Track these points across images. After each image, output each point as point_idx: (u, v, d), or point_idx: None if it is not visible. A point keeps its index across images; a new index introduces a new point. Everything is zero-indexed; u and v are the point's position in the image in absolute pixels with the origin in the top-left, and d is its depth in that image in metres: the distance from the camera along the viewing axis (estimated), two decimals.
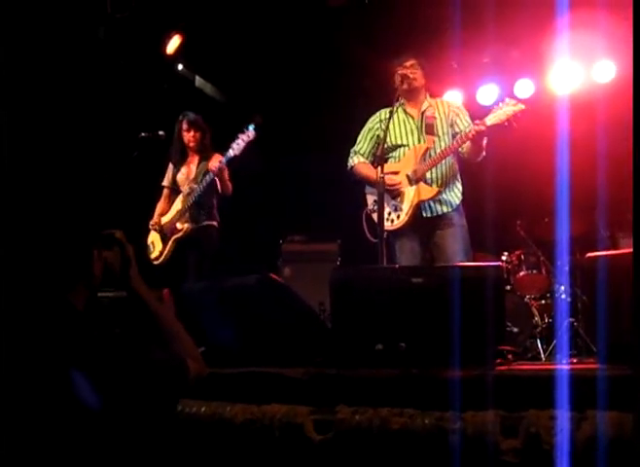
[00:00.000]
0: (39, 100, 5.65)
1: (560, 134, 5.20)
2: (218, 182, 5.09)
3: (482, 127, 4.31)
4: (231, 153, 5.01)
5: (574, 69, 6.49)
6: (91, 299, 2.02)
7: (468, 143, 4.47)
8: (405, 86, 4.56)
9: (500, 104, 4.39)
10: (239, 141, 5.01)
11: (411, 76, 4.59)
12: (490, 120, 4.34)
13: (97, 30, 6.16)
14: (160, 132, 5.22)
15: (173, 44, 6.55)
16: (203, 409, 3.06)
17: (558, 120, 5.47)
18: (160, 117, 5.76)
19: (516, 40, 6.49)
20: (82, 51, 6.06)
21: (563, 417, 2.50)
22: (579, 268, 5.29)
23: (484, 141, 4.44)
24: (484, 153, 4.53)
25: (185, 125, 5.28)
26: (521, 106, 4.34)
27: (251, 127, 5.04)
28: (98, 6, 5.96)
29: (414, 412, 2.75)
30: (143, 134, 5.21)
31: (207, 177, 5.10)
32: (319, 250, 6.59)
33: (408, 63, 4.60)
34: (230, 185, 5.16)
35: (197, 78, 7.40)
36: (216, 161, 5.10)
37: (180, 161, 5.36)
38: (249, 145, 5.03)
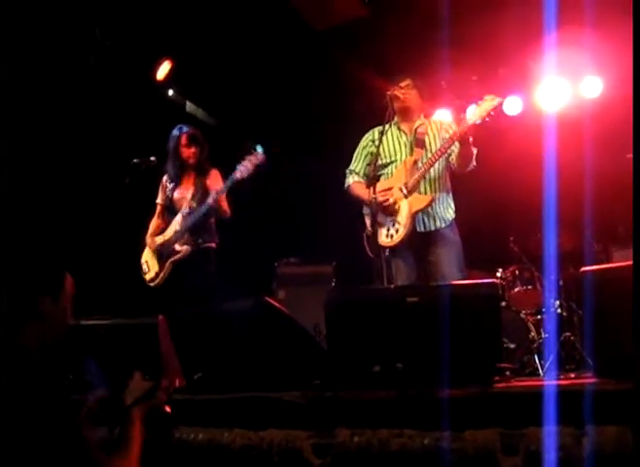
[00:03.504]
0: (31, 127, 5.68)
1: (550, 149, 5.24)
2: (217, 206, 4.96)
3: (464, 128, 4.34)
4: (237, 175, 4.84)
5: (561, 85, 6.54)
6: (48, 340, 1.99)
7: (456, 151, 4.48)
8: (397, 105, 4.60)
9: (479, 102, 4.42)
10: (247, 163, 4.85)
11: (402, 97, 4.61)
12: (471, 119, 4.36)
13: (88, 58, 6.19)
14: (152, 158, 5.18)
15: (163, 70, 6.57)
16: (200, 435, 3.04)
17: (547, 135, 5.52)
18: (151, 143, 5.77)
19: (504, 58, 6.55)
20: (73, 78, 6.09)
21: (562, 434, 2.49)
22: (573, 282, 5.29)
23: (474, 151, 4.46)
24: (475, 163, 4.54)
25: (184, 141, 5.11)
26: (500, 99, 4.39)
27: (259, 149, 4.89)
28: (88, 34, 6.00)
29: (413, 432, 2.74)
30: (135, 161, 5.17)
31: (207, 202, 4.93)
32: (314, 272, 6.58)
33: (402, 84, 4.63)
34: (227, 210, 5.04)
35: (188, 103, 7.43)
36: (215, 183, 5.02)
37: (176, 177, 5.19)
38: (258, 168, 4.86)
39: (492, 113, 4.34)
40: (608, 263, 5.24)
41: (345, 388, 3.13)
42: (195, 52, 6.55)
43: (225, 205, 5.05)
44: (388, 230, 4.49)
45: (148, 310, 4.26)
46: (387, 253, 4.30)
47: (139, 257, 5.29)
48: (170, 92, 7.17)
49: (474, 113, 4.37)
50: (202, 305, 4.58)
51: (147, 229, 5.32)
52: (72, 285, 2.06)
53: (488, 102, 4.37)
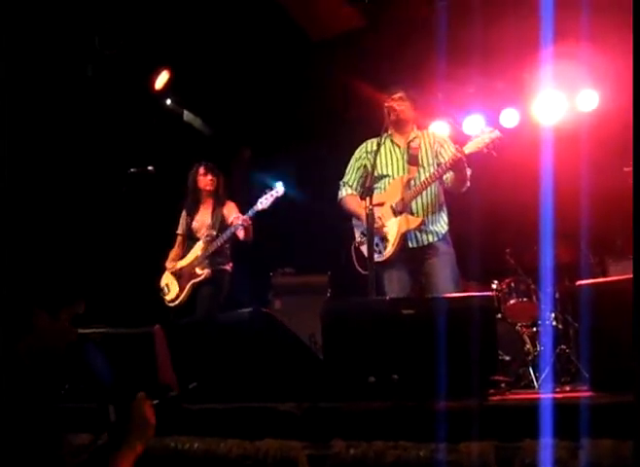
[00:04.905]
0: (29, 136, 5.68)
1: (546, 162, 5.26)
2: (241, 232, 5.27)
3: (459, 155, 4.36)
4: (259, 206, 5.29)
5: (558, 99, 6.57)
6: (41, 354, 1.98)
7: (451, 173, 4.50)
8: (392, 117, 4.62)
9: (478, 133, 4.45)
10: (268, 196, 5.32)
11: (398, 108, 4.64)
12: (468, 148, 4.39)
13: (86, 67, 6.21)
14: (150, 167, 5.24)
15: (161, 79, 6.59)
16: (197, 445, 3.04)
17: (544, 148, 5.54)
18: (149, 152, 5.78)
19: (501, 70, 6.57)
20: (71, 88, 6.10)
21: (558, 447, 2.49)
22: (569, 294, 5.30)
23: (468, 172, 4.47)
24: (468, 184, 4.55)
25: (202, 170, 5.48)
26: (498, 133, 4.40)
27: (279, 184, 5.35)
28: (87, 43, 6.02)
29: (409, 444, 2.74)
30: (132, 170, 5.23)
31: (230, 230, 5.26)
32: (309, 282, 6.59)
33: (396, 96, 4.66)
34: (251, 234, 5.32)
35: (186, 112, 7.44)
36: (237, 214, 5.33)
37: (195, 208, 5.52)
38: (277, 200, 5.33)
39: (491, 148, 4.36)
40: (604, 275, 5.25)
41: (341, 399, 3.13)
42: (194, 62, 6.57)
43: (250, 230, 5.34)
44: (377, 245, 4.50)
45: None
46: (375, 267, 4.30)
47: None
48: (168, 102, 7.19)
49: (472, 143, 4.39)
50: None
51: (166, 254, 5.57)
52: (82, 308, 2.04)
53: (487, 135, 4.40)
